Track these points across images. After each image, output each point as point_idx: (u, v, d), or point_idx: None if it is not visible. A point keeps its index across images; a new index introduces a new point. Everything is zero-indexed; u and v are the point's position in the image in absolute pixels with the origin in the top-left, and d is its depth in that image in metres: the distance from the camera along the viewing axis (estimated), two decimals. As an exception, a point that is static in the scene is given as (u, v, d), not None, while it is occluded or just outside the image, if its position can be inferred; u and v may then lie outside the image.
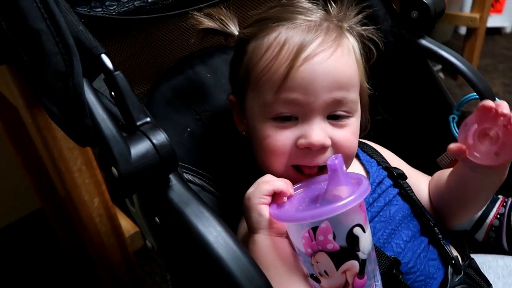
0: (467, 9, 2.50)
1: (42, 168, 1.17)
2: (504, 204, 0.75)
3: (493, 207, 0.75)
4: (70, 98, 0.40)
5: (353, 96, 0.58)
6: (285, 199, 0.53)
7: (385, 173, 0.67)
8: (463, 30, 2.60)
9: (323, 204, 0.48)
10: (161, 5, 0.69)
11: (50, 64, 0.40)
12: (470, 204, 0.66)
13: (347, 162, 0.60)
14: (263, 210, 0.52)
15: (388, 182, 0.66)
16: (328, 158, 0.49)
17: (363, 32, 0.64)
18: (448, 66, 0.77)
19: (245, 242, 0.54)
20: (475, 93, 0.76)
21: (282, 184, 0.54)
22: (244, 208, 0.55)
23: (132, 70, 0.73)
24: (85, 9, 0.63)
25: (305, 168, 0.58)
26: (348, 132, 0.58)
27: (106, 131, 0.41)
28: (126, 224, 1.13)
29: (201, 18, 0.64)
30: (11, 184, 1.42)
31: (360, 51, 0.63)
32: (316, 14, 0.60)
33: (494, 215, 0.74)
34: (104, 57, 0.44)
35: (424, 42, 0.79)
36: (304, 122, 0.56)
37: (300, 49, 0.54)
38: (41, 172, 1.21)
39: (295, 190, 0.55)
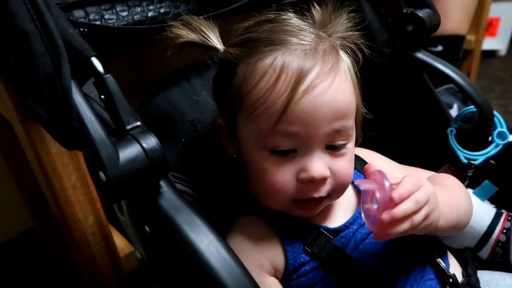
0: (462, 32, 2.54)
1: (35, 186, 1.16)
2: (509, 218, 0.73)
3: (498, 221, 0.73)
4: (57, 99, 0.40)
5: (351, 123, 0.57)
6: None
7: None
8: (459, 52, 2.64)
9: None
10: (161, 19, 0.69)
11: (37, 65, 0.39)
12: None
13: (343, 190, 0.59)
14: None
15: None
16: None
17: (350, 39, 0.62)
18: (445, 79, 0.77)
19: None
20: (473, 106, 0.76)
21: None
22: None
23: (129, 84, 0.72)
24: (84, 21, 0.63)
25: (307, 201, 0.57)
26: (346, 161, 0.57)
27: (93, 134, 0.40)
28: (121, 243, 1.09)
29: (179, 31, 0.59)
30: (2, 203, 1.41)
31: (354, 68, 0.60)
32: (310, 36, 0.56)
33: (500, 230, 0.72)
34: (94, 59, 0.43)
35: (420, 55, 0.79)
36: (304, 154, 0.54)
37: (298, 80, 0.52)
38: (34, 190, 1.20)
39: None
